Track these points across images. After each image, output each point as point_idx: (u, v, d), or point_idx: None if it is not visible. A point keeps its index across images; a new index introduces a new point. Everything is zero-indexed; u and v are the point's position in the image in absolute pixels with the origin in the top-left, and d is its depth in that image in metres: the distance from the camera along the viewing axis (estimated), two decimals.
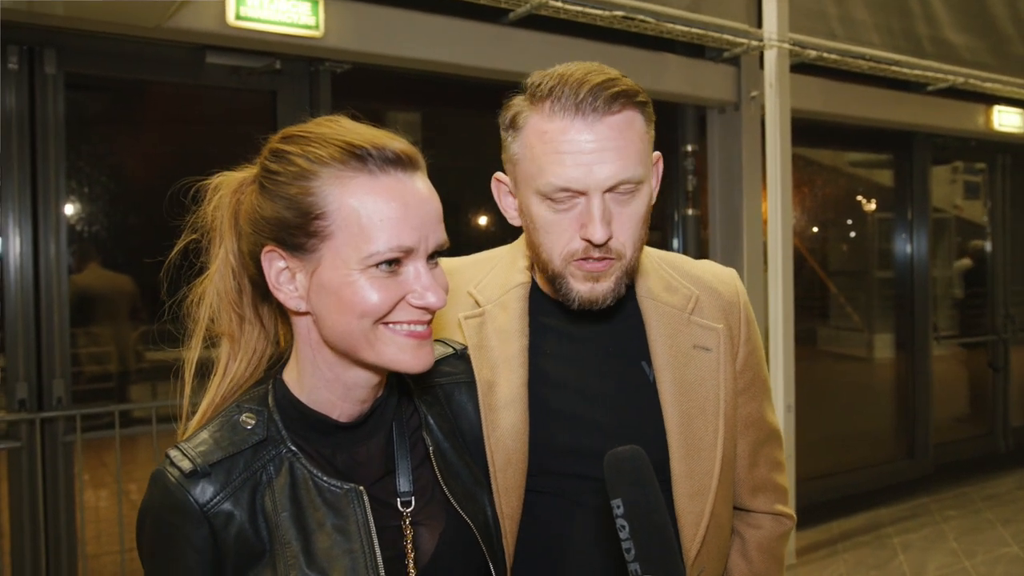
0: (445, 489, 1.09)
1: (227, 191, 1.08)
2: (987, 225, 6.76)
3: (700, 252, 4.69)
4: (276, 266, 1.01)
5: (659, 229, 4.75)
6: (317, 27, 3.33)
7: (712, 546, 1.29)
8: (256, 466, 1.01)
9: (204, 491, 0.97)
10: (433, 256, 1.02)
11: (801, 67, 4.66)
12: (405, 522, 1.06)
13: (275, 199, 1.00)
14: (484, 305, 1.32)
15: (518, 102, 1.23)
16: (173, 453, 1.00)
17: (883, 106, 5.33)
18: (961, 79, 5.34)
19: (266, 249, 1.01)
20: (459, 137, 4.47)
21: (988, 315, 6.71)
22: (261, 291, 1.09)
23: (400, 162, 0.99)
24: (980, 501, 5.68)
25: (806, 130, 4.79)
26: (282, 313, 1.11)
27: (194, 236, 1.11)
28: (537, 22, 3.85)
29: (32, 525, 3.14)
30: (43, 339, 3.17)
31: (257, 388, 1.08)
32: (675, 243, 4.77)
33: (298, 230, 0.98)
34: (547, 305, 1.31)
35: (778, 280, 4.21)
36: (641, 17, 3.88)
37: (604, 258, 1.20)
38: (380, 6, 3.53)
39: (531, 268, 1.34)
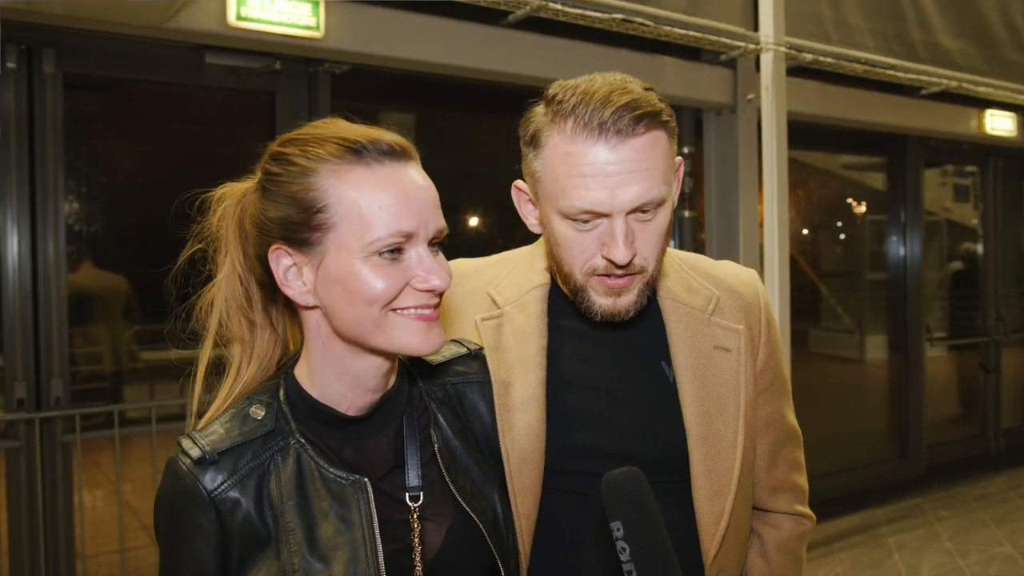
0: (451, 486, 1.10)
1: (231, 201, 1.11)
2: (978, 228, 6.81)
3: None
4: (283, 263, 1.04)
5: None
6: (317, 28, 3.34)
7: (731, 546, 1.28)
8: (264, 456, 1.04)
9: (212, 478, 1.00)
10: (433, 244, 1.04)
11: (797, 70, 4.68)
12: (413, 516, 1.07)
13: (278, 199, 1.03)
14: (503, 306, 1.31)
15: (539, 116, 1.20)
16: (185, 442, 1.03)
17: (877, 109, 5.36)
18: (954, 83, 5.38)
19: (272, 248, 1.03)
20: (457, 139, 4.47)
21: (980, 317, 6.76)
22: (270, 294, 1.11)
23: (395, 153, 1.02)
24: (973, 501, 5.71)
25: (799, 133, 4.82)
26: (291, 314, 1.14)
27: (200, 246, 1.13)
28: (536, 24, 3.86)
29: (30, 525, 3.13)
30: (41, 338, 3.16)
31: (269, 383, 1.11)
32: (671, 245, 4.77)
33: (302, 225, 1.01)
34: (565, 306, 1.30)
35: (775, 283, 4.23)
36: (639, 20, 3.90)
37: (626, 275, 1.19)
38: (381, 7, 3.53)
39: (550, 269, 1.33)
